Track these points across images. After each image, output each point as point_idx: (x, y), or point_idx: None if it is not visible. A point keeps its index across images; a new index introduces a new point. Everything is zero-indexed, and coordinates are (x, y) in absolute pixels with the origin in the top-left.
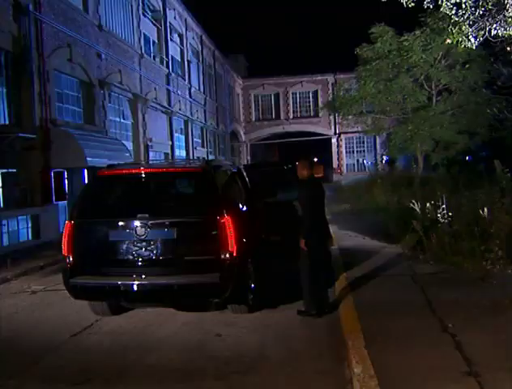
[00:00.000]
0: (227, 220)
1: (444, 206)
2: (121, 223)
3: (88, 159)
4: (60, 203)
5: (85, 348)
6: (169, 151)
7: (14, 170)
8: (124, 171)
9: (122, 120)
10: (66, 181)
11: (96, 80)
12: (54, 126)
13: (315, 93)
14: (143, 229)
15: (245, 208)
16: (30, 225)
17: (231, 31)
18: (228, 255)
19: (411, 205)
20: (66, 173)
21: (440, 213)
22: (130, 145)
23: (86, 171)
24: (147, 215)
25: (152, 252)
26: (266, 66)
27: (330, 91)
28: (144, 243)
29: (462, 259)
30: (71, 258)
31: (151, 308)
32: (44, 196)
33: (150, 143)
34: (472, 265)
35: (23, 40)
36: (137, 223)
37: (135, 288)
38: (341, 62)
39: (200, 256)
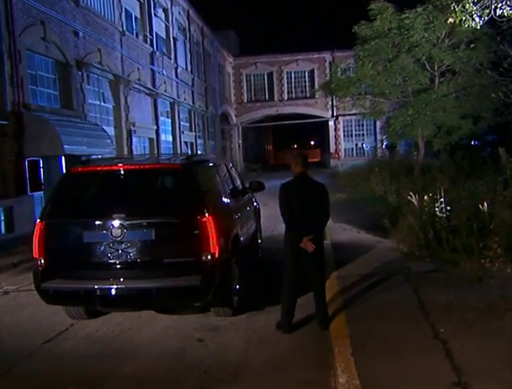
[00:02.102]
0: (208, 219)
1: (442, 199)
2: (96, 223)
3: (66, 146)
4: (35, 193)
5: (59, 355)
6: (154, 137)
7: None
8: (99, 168)
9: (103, 103)
10: (42, 171)
11: (73, 60)
12: (28, 111)
13: (311, 72)
14: (120, 230)
15: (229, 205)
16: (2, 218)
17: (220, 4)
18: (209, 257)
19: (409, 198)
20: (41, 162)
21: (438, 207)
22: (111, 130)
23: (63, 159)
24: (123, 215)
25: (130, 254)
26: (259, 43)
27: (328, 70)
28: (121, 245)
29: (460, 257)
30: (43, 261)
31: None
32: (18, 186)
33: (133, 128)
34: (470, 263)
35: None
36: (113, 223)
37: (112, 292)
38: (339, 39)
39: (180, 258)
